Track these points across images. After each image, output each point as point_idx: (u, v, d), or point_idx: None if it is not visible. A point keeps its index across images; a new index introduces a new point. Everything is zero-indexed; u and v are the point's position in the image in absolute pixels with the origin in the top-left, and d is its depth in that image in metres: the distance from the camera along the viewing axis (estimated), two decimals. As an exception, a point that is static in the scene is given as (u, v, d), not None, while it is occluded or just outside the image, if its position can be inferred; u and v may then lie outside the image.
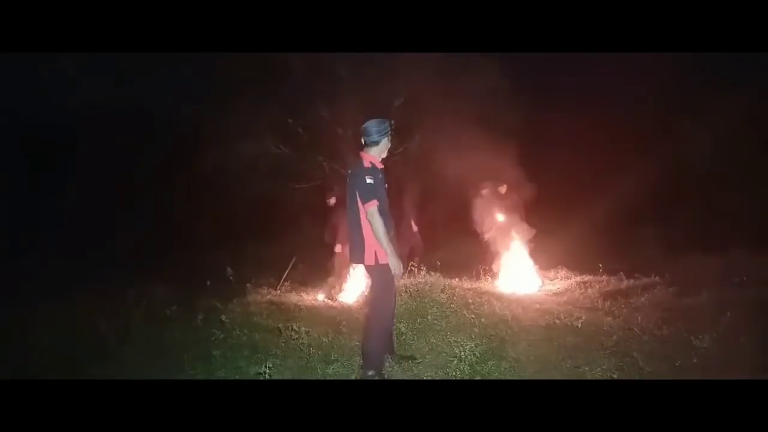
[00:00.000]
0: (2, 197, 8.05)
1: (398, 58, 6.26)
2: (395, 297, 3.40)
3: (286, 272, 6.88)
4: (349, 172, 3.27)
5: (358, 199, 3.10)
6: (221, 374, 3.40)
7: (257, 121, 6.57)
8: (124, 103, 7.07)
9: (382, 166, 3.31)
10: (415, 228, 7.34)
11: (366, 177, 3.06)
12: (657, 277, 5.67)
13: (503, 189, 6.66)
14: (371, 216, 3.03)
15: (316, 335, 4.04)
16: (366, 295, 3.52)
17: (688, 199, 7.89)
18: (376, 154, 3.21)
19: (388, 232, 3.12)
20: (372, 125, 3.19)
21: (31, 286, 5.93)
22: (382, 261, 3.11)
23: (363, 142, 3.24)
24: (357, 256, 3.20)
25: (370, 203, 3.03)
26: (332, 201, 6.74)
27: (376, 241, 3.09)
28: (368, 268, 3.19)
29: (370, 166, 3.14)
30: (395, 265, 3.07)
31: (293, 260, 7.10)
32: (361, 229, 3.14)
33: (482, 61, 6.41)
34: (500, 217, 6.65)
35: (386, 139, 3.22)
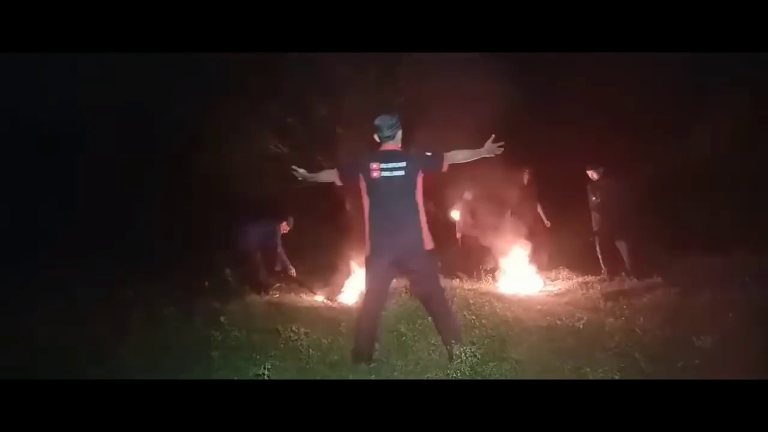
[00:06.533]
0: (2, 197, 8.04)
1: (399, 57, 6.25)
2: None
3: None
4: (381, 166, 3.25)
5: (439, 163, 3.33)
6: (220, 375, 3.37)
7: (256, 121, 6.57)
8: (122, 103, 7.06)
9: None
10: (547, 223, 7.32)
11: (425, 151, 3.38)
12: (659, 278, 5.65)
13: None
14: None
15: (315, 336, 4.01)
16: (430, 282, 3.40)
17: (691, 199, 7.85)
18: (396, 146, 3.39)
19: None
20: (388, 119, 3.34)
21: (30, 287, 5.91)
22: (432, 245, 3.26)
23: (381, 137, 3.35)
24: (412, 245, 3.23)
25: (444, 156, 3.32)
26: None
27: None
28: (426, 253, 3.24)
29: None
30: None
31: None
32: (418, 215, 3.23)
33: (483, 61, 6.39)
34: (502, 217, 6.65)
35: (401, 131, 3.39)
